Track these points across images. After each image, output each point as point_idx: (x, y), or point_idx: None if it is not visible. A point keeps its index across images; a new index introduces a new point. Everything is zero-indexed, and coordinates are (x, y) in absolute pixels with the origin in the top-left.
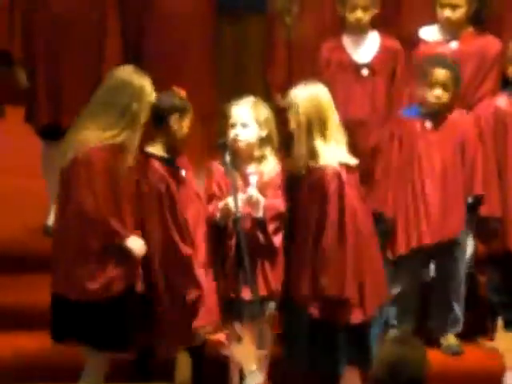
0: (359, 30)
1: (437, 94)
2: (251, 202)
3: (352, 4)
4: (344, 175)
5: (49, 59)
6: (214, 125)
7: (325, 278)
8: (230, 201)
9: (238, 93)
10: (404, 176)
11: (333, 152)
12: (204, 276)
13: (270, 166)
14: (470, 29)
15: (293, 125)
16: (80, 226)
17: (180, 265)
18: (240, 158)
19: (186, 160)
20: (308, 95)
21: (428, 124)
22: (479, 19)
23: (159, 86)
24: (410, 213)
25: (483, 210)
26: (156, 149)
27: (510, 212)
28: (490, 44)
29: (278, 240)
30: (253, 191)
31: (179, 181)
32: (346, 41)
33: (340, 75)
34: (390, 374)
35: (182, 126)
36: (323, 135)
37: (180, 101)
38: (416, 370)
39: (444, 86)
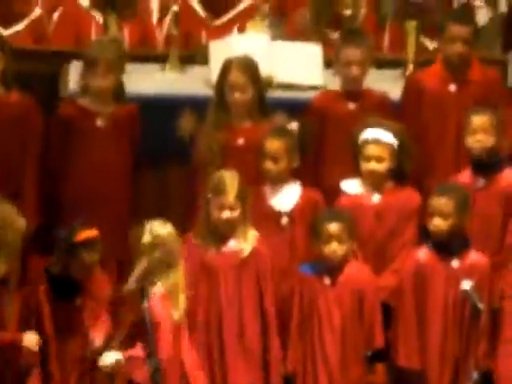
0: (278, 181)
1: (333, 249)
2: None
3: (264, 154)
4: None
5: None
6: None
7: None
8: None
9: None
10: (304, 331)
11: None
12: None
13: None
14: (391, 183)
15: None
16: None
17: None
18: None
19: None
20: None
21: (326, 280)
22: (401, 174)
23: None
24: (308, 368)
25: (401, 361)
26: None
27: (429, 364)
28: (410, 198)
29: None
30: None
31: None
32: (267, 190)
33: (260, 222)
34: None
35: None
36: None
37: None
38: None
39: (339, 240)
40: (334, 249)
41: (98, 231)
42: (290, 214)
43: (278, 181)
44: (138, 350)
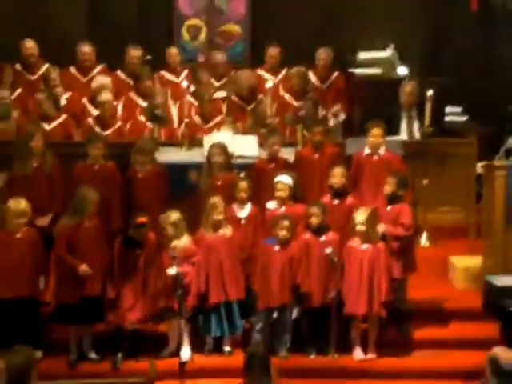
0: (242, 202)
1: (283, 234)
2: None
3: (239, 189)
4: None
5: None
6: None
7: None
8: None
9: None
10: (263, 273)
11: None
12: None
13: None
14: (292, 202)
15: None
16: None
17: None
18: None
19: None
20: None
21: (277, 247)
22: (296, 198)
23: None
24: (264, 290)
25: (303, 289)
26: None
27: (313, 288)
28: (300, 209)
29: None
30: (170, 271)
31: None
32: (235, 207)
33: (232, 222)
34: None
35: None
36: None
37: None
38: None
39: (287, 229)
40: (284, 234)
41: (147, 218)
42: (246, 219)
43: (242, 202)
44: (185, 268)
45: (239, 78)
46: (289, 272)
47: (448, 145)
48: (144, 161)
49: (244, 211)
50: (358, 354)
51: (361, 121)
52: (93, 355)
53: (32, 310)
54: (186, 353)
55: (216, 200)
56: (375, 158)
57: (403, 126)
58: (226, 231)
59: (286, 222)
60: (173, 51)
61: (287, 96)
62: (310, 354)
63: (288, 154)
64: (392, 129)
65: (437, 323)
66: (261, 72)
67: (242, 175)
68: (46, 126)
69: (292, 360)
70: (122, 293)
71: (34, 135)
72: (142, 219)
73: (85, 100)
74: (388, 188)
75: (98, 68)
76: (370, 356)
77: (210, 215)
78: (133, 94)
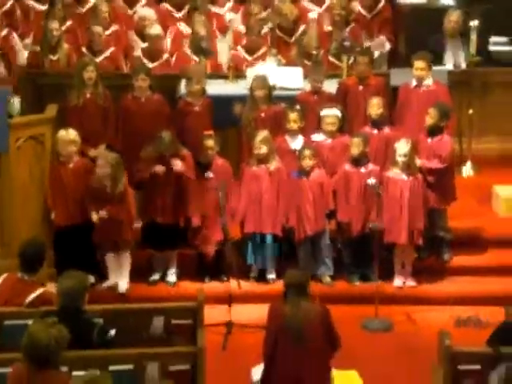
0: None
1: (307, 163)
2: None
3: (288, 120)
4: None
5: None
6: None
7: None
8: None
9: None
10: (299, 205)
11: None
12: None
13: None
14: (338, 133)
15: None
16: None
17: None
18: None
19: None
20: None
21: (304, 178)
22: (342, 129)
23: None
24: (301, 218)
25: (340, 217)
26: None
27: (353, 217)
28: (347, 140)
29: None
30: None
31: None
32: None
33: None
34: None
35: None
36: None
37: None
38: None
39: (309, 158)
40: (308, 163)
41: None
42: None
43: (293, 134)
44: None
45: (281, 9)
46: (321, 199)
47: (493, 74)
48: (196, 91)
49: (297, 142)
50: (397, 281)
51: (406, 51)
52: (171, 278)
53: (86, 237)
54: (124, 284)
55: (263, 135)
56: (422, 89)
57: (448, 55)
58: (271, 164)
59: (307, 151)
60: None
61: (331, 27)
62: (353, 281)
63: (332, 86)
64: (437, 58)
65: (476, 250)
66: (305, 2)
67: (290, 106)
68: (95, 59)
69: (335, 287)
70: (202, 217)
71: (88, 66)
72: (207, 142)
73: (132, 32)
74: (430, 120)
75: (144, 0)
76: (409, 283)
77: (254, 149)
78: (180, 27)
